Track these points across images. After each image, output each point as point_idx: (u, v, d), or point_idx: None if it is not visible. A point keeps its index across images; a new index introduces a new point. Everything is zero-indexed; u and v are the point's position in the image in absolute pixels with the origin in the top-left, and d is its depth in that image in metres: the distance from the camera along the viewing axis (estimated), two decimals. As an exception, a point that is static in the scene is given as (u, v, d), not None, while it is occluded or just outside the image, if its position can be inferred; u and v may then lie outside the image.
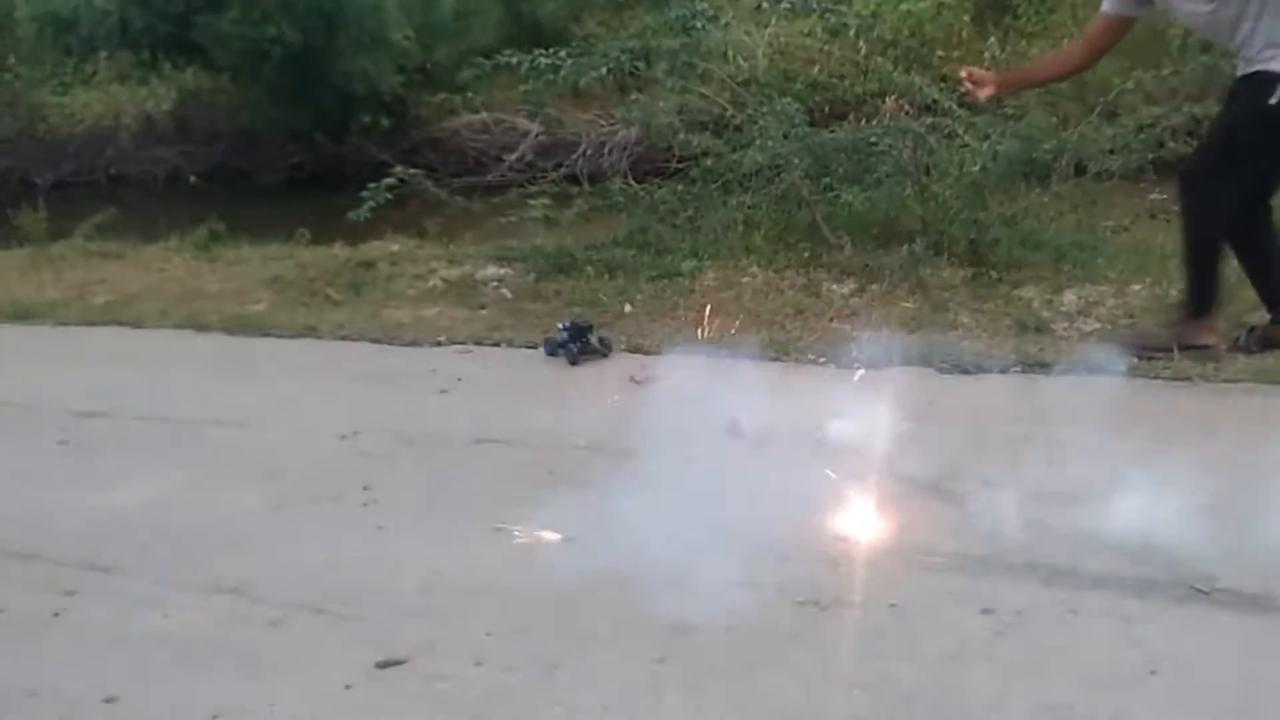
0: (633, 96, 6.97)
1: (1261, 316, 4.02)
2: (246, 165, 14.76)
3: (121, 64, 15.65)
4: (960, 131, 5.59)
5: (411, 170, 6.16)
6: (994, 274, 4.95)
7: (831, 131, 5.87)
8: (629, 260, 5.54)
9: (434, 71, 14.59)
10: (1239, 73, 3.77)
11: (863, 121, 6.40)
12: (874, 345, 4.25)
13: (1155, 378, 3.79)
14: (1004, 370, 3.96)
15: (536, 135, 12.48)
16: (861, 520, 2.94)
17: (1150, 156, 5.37)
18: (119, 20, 13.93)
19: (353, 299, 5.63)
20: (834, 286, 5.01)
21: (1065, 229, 5.57)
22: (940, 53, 9.23)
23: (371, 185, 5.79)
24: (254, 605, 2.77)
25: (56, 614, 2.80)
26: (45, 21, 14.97)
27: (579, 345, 4.44)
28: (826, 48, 9.54)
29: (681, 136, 6.12)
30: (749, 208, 5.80)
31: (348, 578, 2.86)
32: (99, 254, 7.26)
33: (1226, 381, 3.74)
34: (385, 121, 14.10)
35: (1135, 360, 3.87)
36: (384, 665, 2.47)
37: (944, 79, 6.23)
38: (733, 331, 4.46)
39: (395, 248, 6.42)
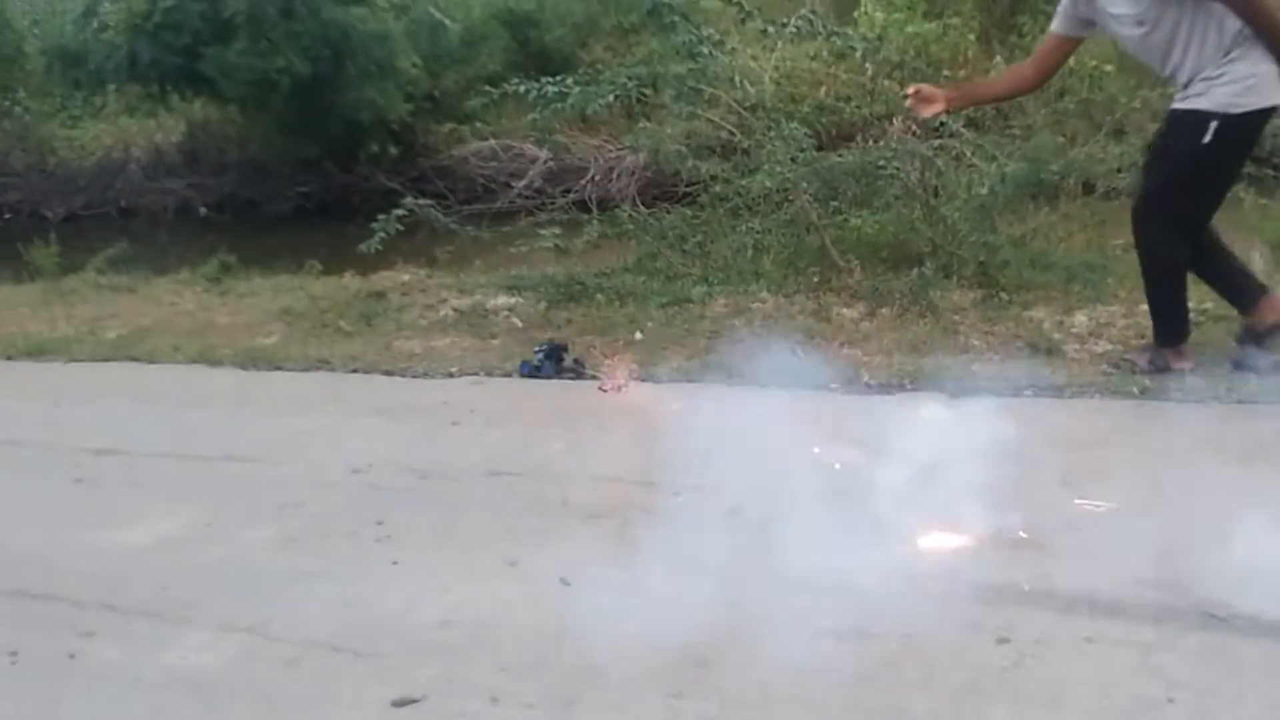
0: (640, 124, 7.01)
1: (1238, 318, 4.07)
2: (256, 195, 14.85)
3: (130, 96, 15.75)
4: (968, 153, 5.61)
5: (421, 200, 6.19)
6: (1004, 296, 4.96)
7: (839, 155, 5.89)
8: (639, 287, 5.57)
9: (442, 99, 14.66)
10: (1174, 104, 3.82)
11: (870, 144, 6.42)
12: (885, 370, 4.26)
13: (1166, 399, 3.79)
14: (1016, 394, 3.95)
15: (545, 161, 12.51)
16: (875, 549, 2.93)
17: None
18: (127, 53, 14.03)
19: (364, 330, 5.66)
20: (844, 310, 5.02)
21: (1074, 249, 5.58)
22: (946, 73, 9.21)
23: (381, 216, 5.83)
24: (270, 644, 2.77)
25: (73, 655, 2.80)
26: (54, 55, 15.13)
27: (555, 366, 4.63)
28: (832, 70, 9.58)
29: (690, 163, 6.14)
30: (758, 232, 5.82)
31: (363, 615, 2.86)
32: (110, 288, 7.33)
33: (1239, 402, 3.73)
34: (393, 150, 14.16)
35: (1146, 383, 3.87)
36: (400, 704, 2.46)
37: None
38: (742, 359, 4.47)
39: (406, 278, 6.45)
